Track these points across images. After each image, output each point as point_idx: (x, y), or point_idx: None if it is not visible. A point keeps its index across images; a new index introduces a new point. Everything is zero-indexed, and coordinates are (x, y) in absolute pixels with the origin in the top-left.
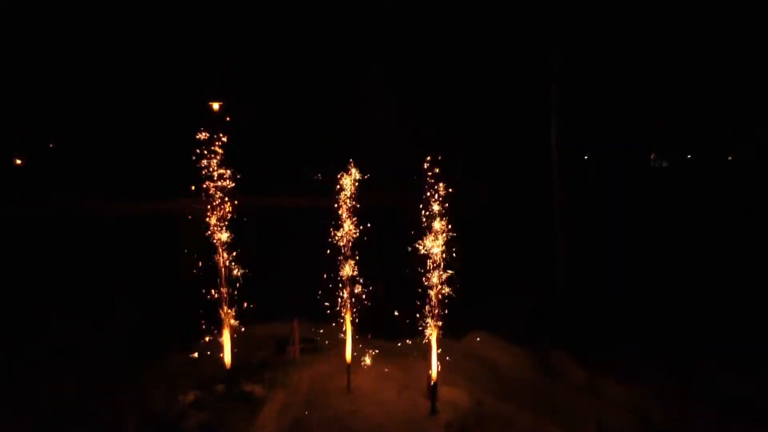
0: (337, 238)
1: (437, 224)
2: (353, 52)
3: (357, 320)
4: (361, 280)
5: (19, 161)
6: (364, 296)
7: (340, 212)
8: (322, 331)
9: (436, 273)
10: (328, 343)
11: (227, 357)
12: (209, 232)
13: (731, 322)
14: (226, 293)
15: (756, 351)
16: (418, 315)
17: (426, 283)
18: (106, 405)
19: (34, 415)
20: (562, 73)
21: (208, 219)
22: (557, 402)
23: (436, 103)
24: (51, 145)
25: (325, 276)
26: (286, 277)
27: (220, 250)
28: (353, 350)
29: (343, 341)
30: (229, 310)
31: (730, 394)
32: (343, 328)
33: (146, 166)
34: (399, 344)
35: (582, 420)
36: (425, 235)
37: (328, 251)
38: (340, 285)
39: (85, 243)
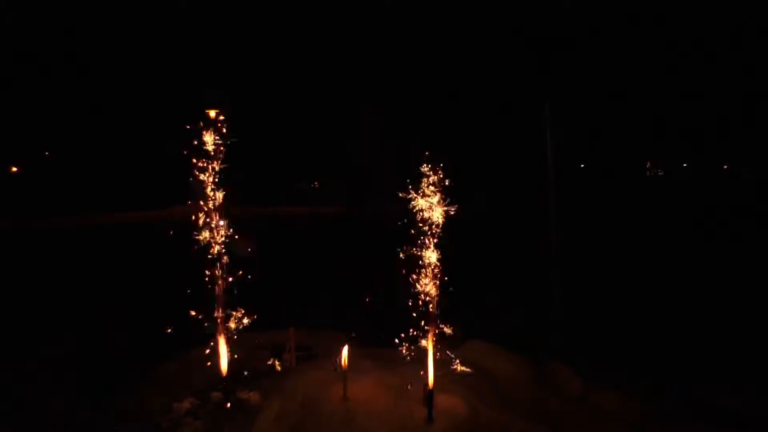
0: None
1: (437, 219)
2: (350, 63)
3: (354, 328)
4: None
5: (15, 168)
6: (361, 304)
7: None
8: (319, 338)
9: (432, 282)
10: (324, 351)
11: (223, 365)
12: (205, 240)
13: (732, 338)
14: (222, 301)
15: (757, 368)
16: (415, 323)
17: (422, 290)
18: (102, 416)
19: (30, 429)
20: (561, 71)
21: (202, 227)
22: (554, 413)
23: (434, 108)
24: (46, 153)
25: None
26: (283, 285)
27: (216, 257)
28: (349, 358)
29: (339, 349)
30: (225, 318)
31: (730, 411)
32: (340, 336)
33: (142, 173)
34: (396, 352)
35: (577, 431)
36: (421, 243)
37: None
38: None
39: (80, 252)
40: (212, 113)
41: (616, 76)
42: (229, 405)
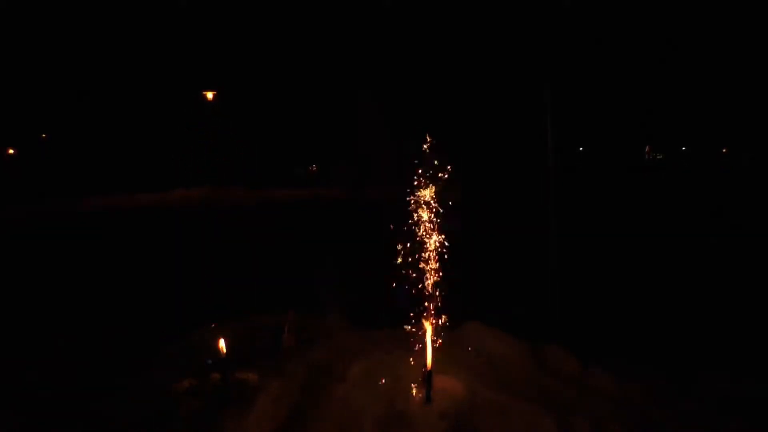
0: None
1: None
2: (349, 51)
3: (353, 309)
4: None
5: (11, 151)
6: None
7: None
8: (319, 320)
9: (432, 264)
10: (324, 333)
11: (222, 346)
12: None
13: (731, 321)
14: (224, 282)
15: (757, 352)
16: (413, 303)
17: (422, 272)
18: (101, 396)
19: (29, 409)
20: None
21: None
22: (551, 394)
23: (433, 103)
24: (43, 136)
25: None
26: (282, 266)
27: (218, 239)
28: (348, 339)
29: (338, 331)
30: (226, 300)
31: (731, 395)
32: (339, 318)
33: (140, 156)
34: (393, 332)
35: (575, 412)
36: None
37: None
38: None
39: (83, 236)
40: (209, 94)
41: (614, 63)
42: (228, 385)
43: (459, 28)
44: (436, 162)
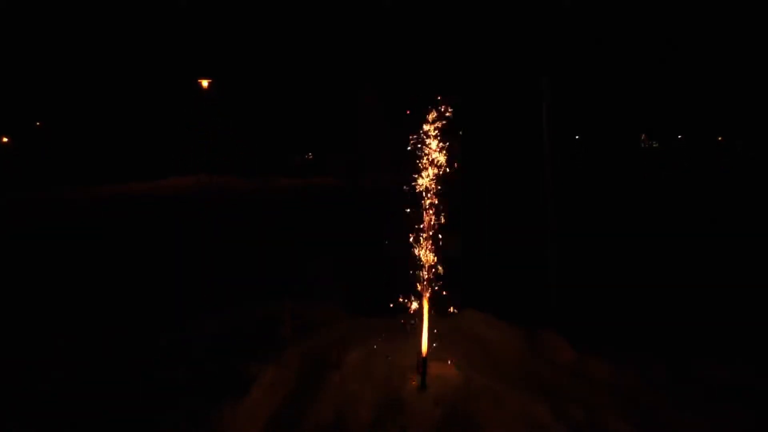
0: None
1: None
2: (348, 43)
3: (349, 297)
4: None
5: (6, 139)
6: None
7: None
8: (313, 309)
9: (428, 247)
10: (320, 322)
11: (219, 335)
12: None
13: (726, 309)
14: (220, 272)
15: (754, 341)
16: (409, 291)
17: (418, 255)
18: (98, 384)
19: (29, 408)
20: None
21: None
22: (545, 381)
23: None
24: (38, 124)
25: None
26: (279, 256)
27: (216, 228)
28: (344, 327)
29: (334, 319)
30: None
31: (728, 384)
32: (336, 306)
33: (134, 144)
34: (389, 320)
35: (570, 400)
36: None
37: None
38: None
39: (78, 227)
40: (205, 83)
41: (611, 52)
42: (224, 373)
43: (459, 24)
44: (435, 151)
